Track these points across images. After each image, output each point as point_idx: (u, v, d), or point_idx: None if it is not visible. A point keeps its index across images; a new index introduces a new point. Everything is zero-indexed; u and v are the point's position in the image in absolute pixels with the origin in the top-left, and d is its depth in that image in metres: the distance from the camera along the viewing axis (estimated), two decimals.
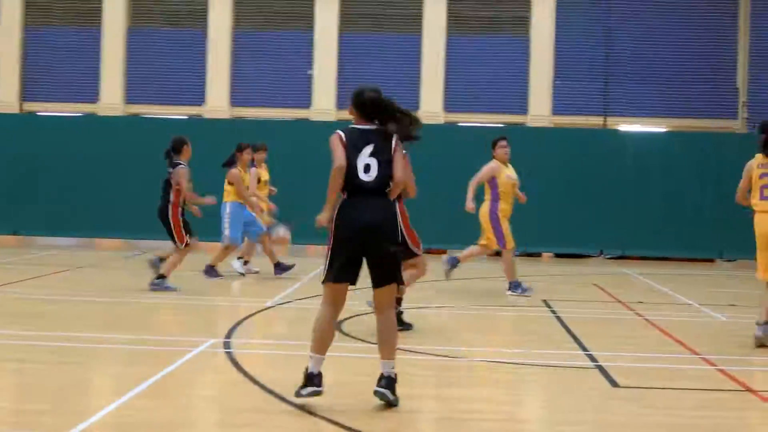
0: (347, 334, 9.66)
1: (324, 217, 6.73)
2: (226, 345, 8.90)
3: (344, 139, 6.71)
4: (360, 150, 6.68)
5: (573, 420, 6.77)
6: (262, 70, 30.59)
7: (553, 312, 11.89)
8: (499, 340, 9.61)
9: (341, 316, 10.62)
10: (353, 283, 6.76)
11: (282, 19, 31.35)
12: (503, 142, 13.64)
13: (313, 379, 6.59)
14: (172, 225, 12.84)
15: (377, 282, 6.78)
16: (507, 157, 13.59)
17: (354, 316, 10.72)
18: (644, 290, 14.91)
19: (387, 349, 6.76)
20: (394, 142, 6.77)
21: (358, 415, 6.49)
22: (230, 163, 14.95)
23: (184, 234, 12.85)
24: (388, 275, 6.76)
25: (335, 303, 6.77)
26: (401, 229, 8.46)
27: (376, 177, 6.67)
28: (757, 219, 9.76)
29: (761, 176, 9.71)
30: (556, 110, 32.26)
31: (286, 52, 30.79)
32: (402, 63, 31.30)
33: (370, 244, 6.66)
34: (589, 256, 20.88)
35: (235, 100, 30.44)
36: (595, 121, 29.97)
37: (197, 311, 11.44)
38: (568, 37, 32.83)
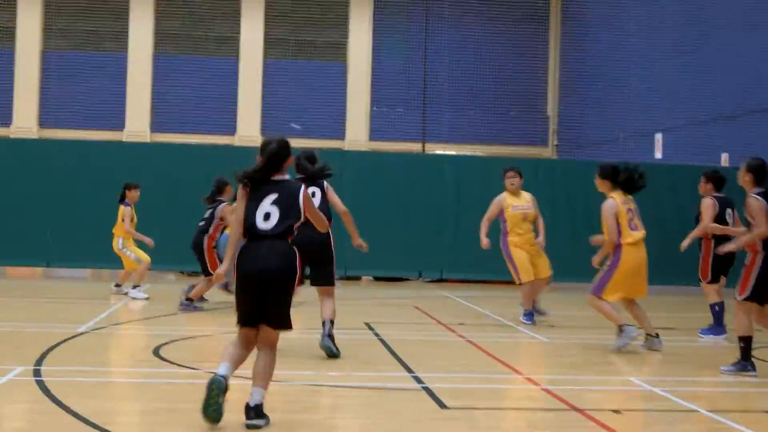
0: (166, 360, 9.26)
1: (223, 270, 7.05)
2: (36, 373, 8.36)
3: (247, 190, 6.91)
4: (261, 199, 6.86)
5: None
6: (71, 92, 29.75)
7: (376, 335, 11.76)
8: (322, 363, 9.39)
9: (159, 341, 10.26)
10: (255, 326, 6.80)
11: (95, 39, 30.57)
12: (510, 173, 13.61)
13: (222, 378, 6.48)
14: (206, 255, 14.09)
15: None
16: (514, 187, 13.52)
17: (172, 341, 10.33)
18: (465, 312, 14.97)
19: (262, 381, 6.68)
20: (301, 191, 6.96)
21: None
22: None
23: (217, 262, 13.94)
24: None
25: (246, 344, 6.82)
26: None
27: (276, 224, 6.82)
28: (631, 251, 10.55)
29: (627, 211, 10.64)
30: (374, 136, 32.49)
31: (98, 73, 30.01)
32: (219, 85, 30.97)
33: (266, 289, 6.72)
34: (408, 279, 20.95)
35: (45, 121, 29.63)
36: (413, 147, 30.29)
37: (5, 337, 10.77)
38: (385, 64, 33.14)
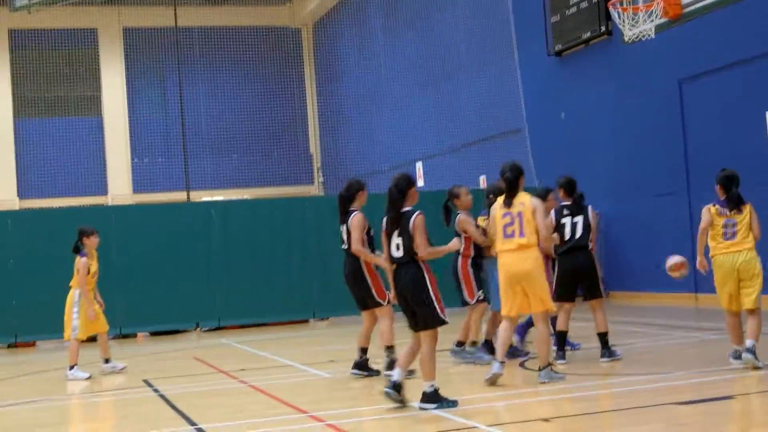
0: None
1: None
2: None
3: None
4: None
5: None
6: None
7: (156, 391, 11.50)
8: (99, 425, 9.10)
9: None
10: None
11: None
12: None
13: None
14: (461, 278, 11.76)
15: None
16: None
17: None
18: (245, 357, 14.86)
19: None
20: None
21: None
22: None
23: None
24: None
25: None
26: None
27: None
28: (505, 258, 9.89)
29: (503, 215, 9.86)
30: (137, 188, 31.95)
31: None
32: None
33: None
34: (185, 331, 20.58)
35: None
36: (178, 196, 29.91)
37: None
38: (141, 116, 32.72)
